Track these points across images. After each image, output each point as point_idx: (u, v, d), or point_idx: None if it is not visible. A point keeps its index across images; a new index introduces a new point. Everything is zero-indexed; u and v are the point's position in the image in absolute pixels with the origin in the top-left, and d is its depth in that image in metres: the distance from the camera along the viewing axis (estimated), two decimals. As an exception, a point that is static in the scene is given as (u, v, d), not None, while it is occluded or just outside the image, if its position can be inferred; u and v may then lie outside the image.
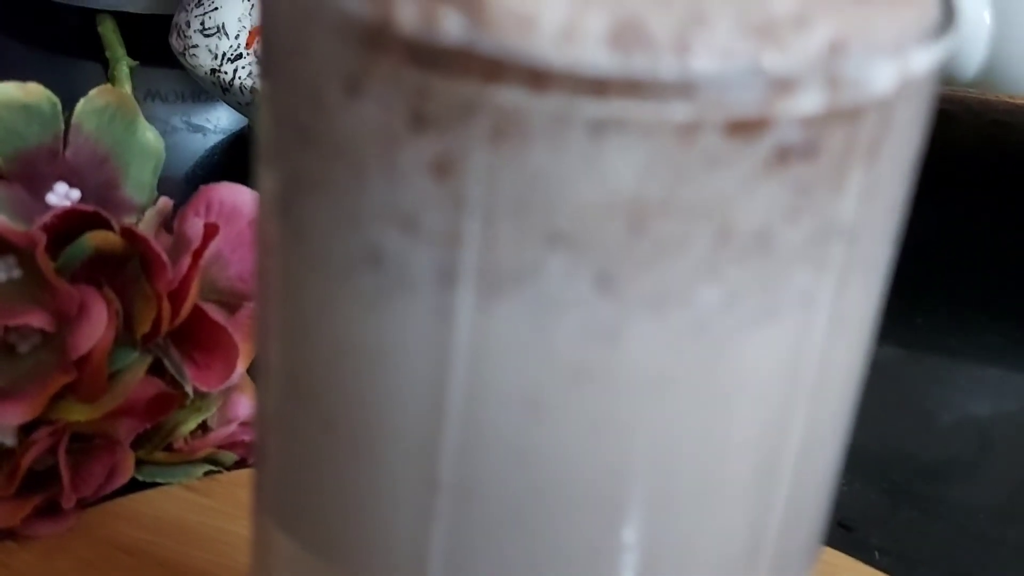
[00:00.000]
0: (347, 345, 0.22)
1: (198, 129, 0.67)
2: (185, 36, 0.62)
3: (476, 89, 0.19)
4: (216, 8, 0.61)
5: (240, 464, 0.42)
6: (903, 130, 0.21)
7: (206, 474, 0.41)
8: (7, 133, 0.39)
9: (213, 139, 0.67)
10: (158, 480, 0.41)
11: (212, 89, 0.62)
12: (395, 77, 0.19)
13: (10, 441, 0.38)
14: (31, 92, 0.39)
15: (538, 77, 0.19)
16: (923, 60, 0.20)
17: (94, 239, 0.38)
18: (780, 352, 0.22)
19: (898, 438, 0.50)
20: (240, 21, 0.61)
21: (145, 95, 0.69)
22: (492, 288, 0.20)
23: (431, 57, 0.19)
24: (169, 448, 0.41)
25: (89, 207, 0.38)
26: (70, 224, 0.38)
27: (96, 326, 0.37)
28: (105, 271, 0.39)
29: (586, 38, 0.19)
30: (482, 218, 0.20)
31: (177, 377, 0.40)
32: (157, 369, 0.40)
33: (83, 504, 0.39)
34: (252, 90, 0.60)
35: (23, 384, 0.37)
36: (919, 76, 0.20)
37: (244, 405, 0.42)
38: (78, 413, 0.38)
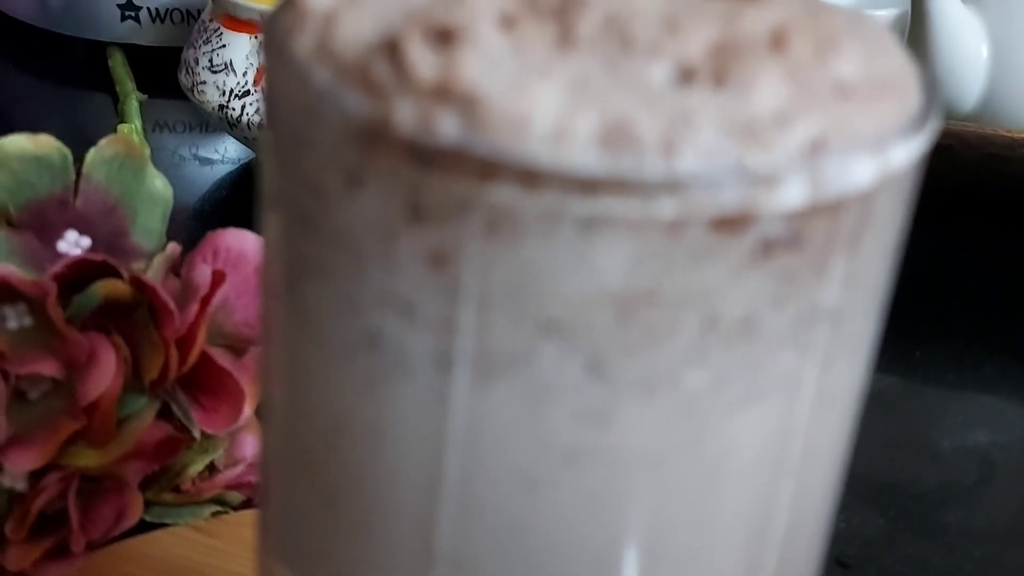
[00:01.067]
0: (347, 423, 0.23)
1: (206, 160, 0.68)
2: (193, 73, 0.63)
3: (471, 187, 0.20)
4: (224, 46, 0.62)
5: (246, 504, 0.43)
6: (884, 218, 0.22)
7: (213, 514, 0.42)
8: (18, 183, 0.40)
9: (221, 170, 0.68)
10: (166, 521, 0.42)
11: (220, 124, 0.63)
12: (393, 173, 0.20)
13: (21, 486, 0.38)
14: (42, 143, 0.40)
15: (530, 177, 0.19)
16: (904, 154, 0.21)
17: (103, 288, 0.39)
18: (767, 431, 0.22)
19: (897, 470, 0.50)
20: (247, 59, 0.61)
21: (154, 126, 0.70)
22: (487, 372, 0.21)
23: (428, 156, 0.20)
24: (177, 489, 0.42)
25: (98, 256, 0.39)
26: (80, 273, 0.39)
27: (105, 374, 0.38)
28: (114, 318, 0.40)
29: (576, 140, 0.19)
30: (477, 306, 0.21)
31: (184, 421, 0.40)
32: (165, 412, 0.40)
33: (92, 546, 0.40)
34: (259, 126, 0.61)
35: (34, 430, 0.38)
36: (900, 169, 0.21)
37: (251, 445, 0.43)
38: (88, 458, 0.39)
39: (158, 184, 0.42)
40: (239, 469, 0.42)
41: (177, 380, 0.40)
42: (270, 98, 0.22)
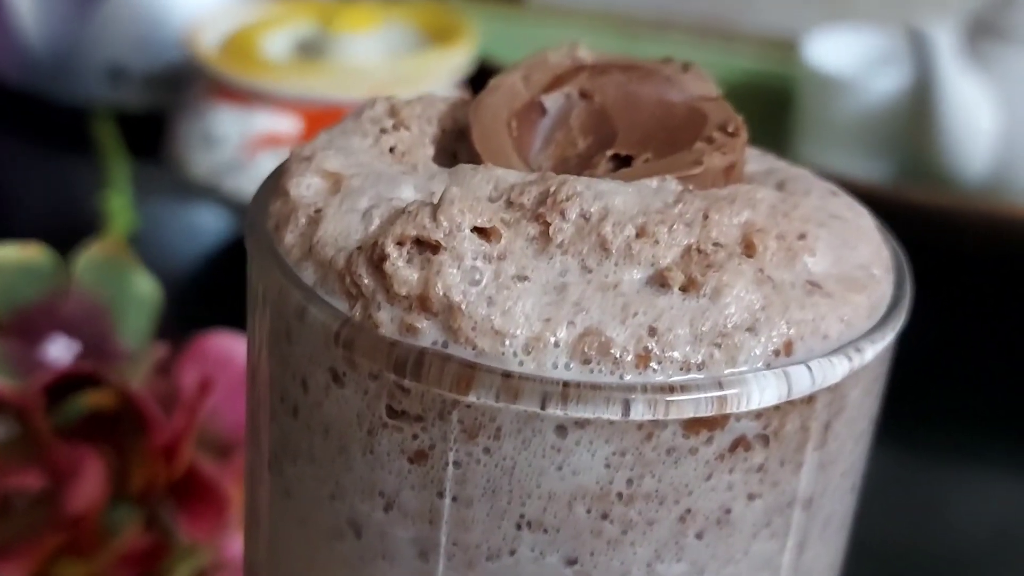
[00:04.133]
0: (330, 601, 0.23)
1: (195, 227, 0.69)
2: (182, 146, 0.63)
3: (449, 392, 0.20)
4: (212, 120, 0.62)
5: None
6: (856, 405, 0.22)
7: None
8: (7, 291, 0.41)
9: (210, 239, 0.68)
10: (152, 624, 0.42)
11: (209, 197, 0.63)
12: (374, 376, 0.21)
13: (7, 597, 0.39)
14: (31, 253, 0.41)
15: (508, 384, 0.20)
16: (874, 348, 0.21)
17: (90, 399, 0.39)
18: (743, 609, 0.23)
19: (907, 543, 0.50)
20: (236, 133, 0.62)
21: (141, 194, 0.70)
22: (467, 564, 0.21)
23: (407, 362, 0.20)
24: (163, 594, 0.42)
25: (87, 367, 0.40)
26: (66, 381, 0.40)
27: (92, 485, 0.38)
28: (100, 428, 0.40)
29: (552, 349, 0.20)
30: (456, 502, 0.21)
31: (169, 528, 0.41)
32: (150, 519, 0.41)
33: (78, 653, 0.40)
34: (248, 198, 0.61)
35: (19, 542, 0.39)
36: (870, 360, 0.22)
37: (237, 547, 0.43)
38: (73, 569, 0.39)
39: (145, 286, 0.43)
40: (226, 575, 0.42)
41: (163, 490, 0.40)
42: (255, 285, 0.23)
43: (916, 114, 0.65)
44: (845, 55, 0.70)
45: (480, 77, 0.67)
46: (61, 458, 0.39)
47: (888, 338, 0.22)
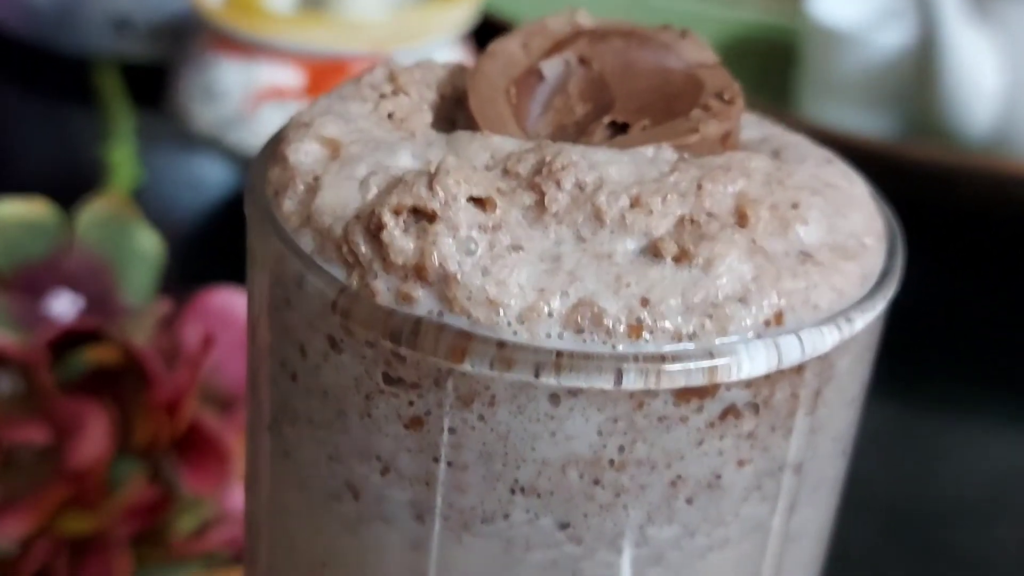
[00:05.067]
0: (328, 561, 0.23)
1: (198, 180, 0.69)
2: (185, 98, 0.63)
3: (444, 361, 0.20)
4: (215, 73, 0.62)
5: (236, 559, 0.44)
6: (846, 373, 0.22)
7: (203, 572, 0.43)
8: (11, 247, 0.41)
9: (214, 192, 0.68)
10: (156, 577, 0.43)
11: (213, 148, 0.63)
12: (371, 344, 0.21)
13: (12, 551, 0.39)
14: (36, 209, 0.41)
15: (502, 353, 0.20)
16: (863, 318, 0.22)
17: (93, 354, 0.40)
18: (735, 571, 0.23)
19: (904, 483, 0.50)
20: (239, 86, 0.62)
21: (145, 145, 0.70)
22: (463, 526, 0.22)
23: (403, 331, 0.20)
24: (167, 546, 0.43)
25: (90, 324, 0.40)
26: (71, 337, 0.40)
27: (96, 440, 0.39)
28: (104, 383, 0.40)
29: (546, 319, 0.20)
30: (452, 467, 0.21)
31: (173, 482, 0.41)
32: (153, 473, 0.41)
33: (82, 605, 0.41)
34: (252, 150, 0.62)
35: (24, 495, 0.39)
36: (860, 330, 0.22)
37: (238, 499, 0.44)
38: (78, 522, 0.39)
39: (148, 242, 0.43)
40: (228, 526, 0.43)
41: (167, 444, 0.41)
42: (254, 250, 0.23)
43: (920, 69, 0.64)
44: (849, 9, 0.69)
45: (484, 31, 0.67)
46: (65, 413, 0.39)
47: (879, 308, 0.22)
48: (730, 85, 0.24)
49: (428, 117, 0.24)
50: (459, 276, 0.20)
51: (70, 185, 0.63)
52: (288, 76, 0.61)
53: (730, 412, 0.21)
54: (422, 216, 0.21)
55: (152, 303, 0.43)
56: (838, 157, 0.25)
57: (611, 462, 0.21)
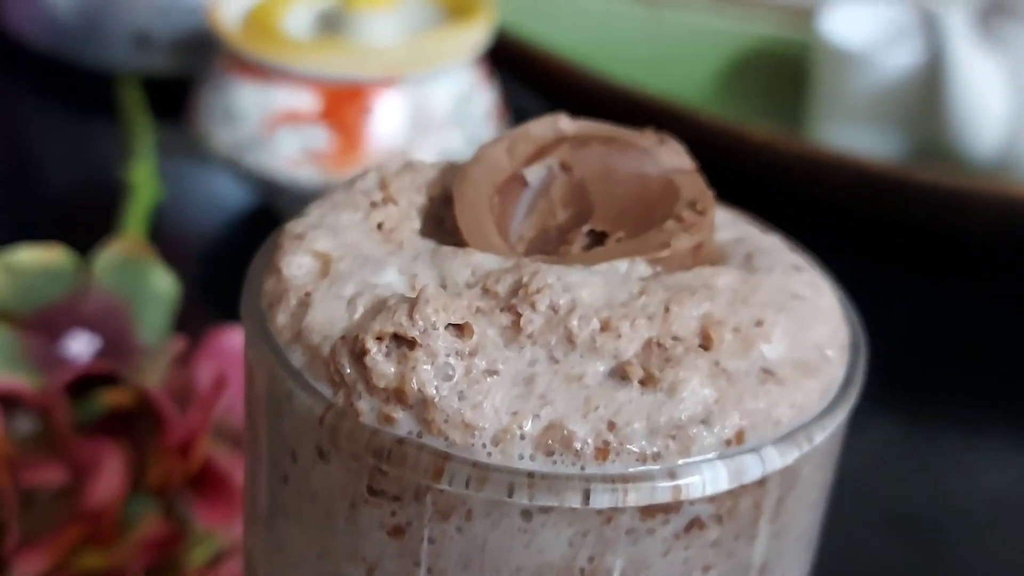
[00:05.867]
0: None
1: (217, 198, 0.70)
2: (204, 119, 0.65)
3: (423, 478, 0.22)
4: (233, 95, 0.64)
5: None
6: (808, 480, 0.24)
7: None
8: (30, 291, 0.42)
9: (231, 211, 0.69)
10: (169, 608, 0.44)
11: (229, 170, 0.65)
12: (356, 458, 0.22)
13: (30, 586, 0.41)
14: (54, 255, 0.42)
15: (477, 473, 0.21)
16: (823, 432, 0.23)
17: (109, 397, 0.41)
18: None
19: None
20: (257, 108, 0.63)
21: (165, 160, 0.72)
22: (443, 627, 0.23)
23: (384, 448, 0.22)
24: (179, 578, 0.44)
25: (106, 366, 0.41)
26: (87, 380, 0.41)
27: (112, 479, 0.41)
28: (119, 424, 0.42)
29: (518, 441, 0.21)
30: (432, 572, 0.23)
31: (186, 518, 0.43)
32: (166, 509, 0.43)
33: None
34: (269, 173, 0.63)
35: (42, 533, 0.41)
36: (822, 442, 0.23)
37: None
38: (93, 559, 0.41)
39: (164, 283, 0.45)
40: (240, 558, 0.45)
41: (180, 483, 0.42)
42: (250, 357, 0.24)
43: (929, 91, 0.65)
44: (860, 29, 0.70)
45: (500, 50, 0.67)
46: (82, 453, 0.41)
47: (838, 420, 0.23)
48: (704, 194, 0.25)
49: (416, 224, 0.25)
50: (437, 400, 0.22)
51: (93, 201, 0.65)
52: (304, 100, 0.62)
53: (695, 524, 0.22)
54: (403, 342, 0.22)
55: (167, 341, 0.45)
56: (808, 264, 0.26)
57: (581, 571, 0.22)
